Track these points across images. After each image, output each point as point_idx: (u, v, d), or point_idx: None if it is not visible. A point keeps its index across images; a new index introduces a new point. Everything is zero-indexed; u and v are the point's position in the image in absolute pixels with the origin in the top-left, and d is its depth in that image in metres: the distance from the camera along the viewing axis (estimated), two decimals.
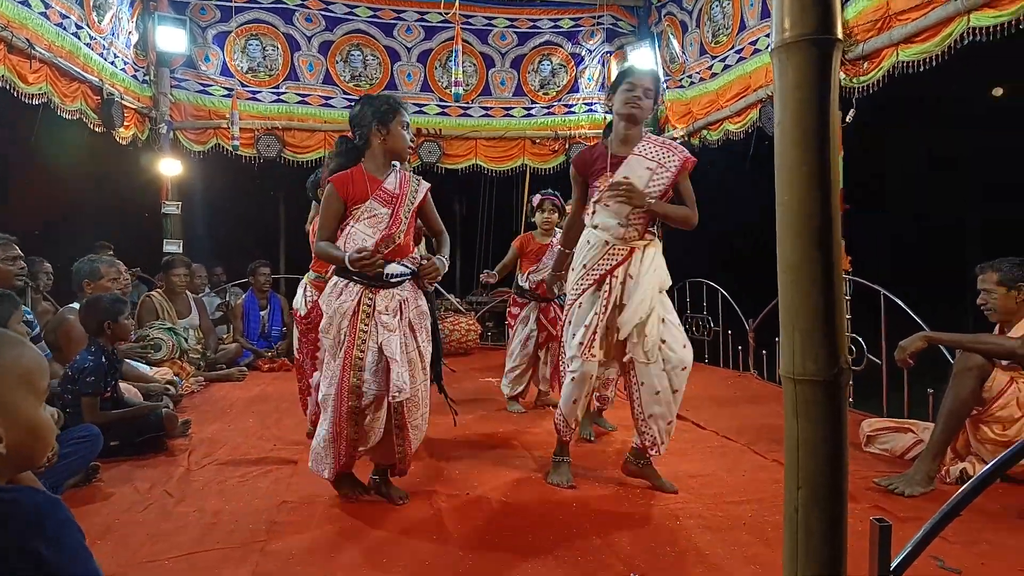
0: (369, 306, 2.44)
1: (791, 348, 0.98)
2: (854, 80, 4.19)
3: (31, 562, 0.89)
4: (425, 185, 2.63)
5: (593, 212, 2.68)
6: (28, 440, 0.98)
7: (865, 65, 4.13)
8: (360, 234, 2.45)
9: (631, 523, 2.38)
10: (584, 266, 2.66)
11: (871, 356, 4.04)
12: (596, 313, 2.60)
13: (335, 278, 2.53)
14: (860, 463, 2.97)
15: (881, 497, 2.58)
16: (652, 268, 2.64)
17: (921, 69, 3.78)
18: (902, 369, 3.05)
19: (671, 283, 2.74)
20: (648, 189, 2.59)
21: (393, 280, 2.47)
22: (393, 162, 2.58)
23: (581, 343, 2.60)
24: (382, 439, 2.51)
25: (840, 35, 0.94)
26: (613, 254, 2.61)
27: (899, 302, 3.87)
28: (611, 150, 2.69)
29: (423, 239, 2.97)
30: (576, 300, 2.66)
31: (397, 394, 2.39)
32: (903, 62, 3.85)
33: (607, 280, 2.61)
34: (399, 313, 2.46)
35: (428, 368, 2.59)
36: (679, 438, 3.48)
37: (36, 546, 0.89)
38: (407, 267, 2.52)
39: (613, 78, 3.06)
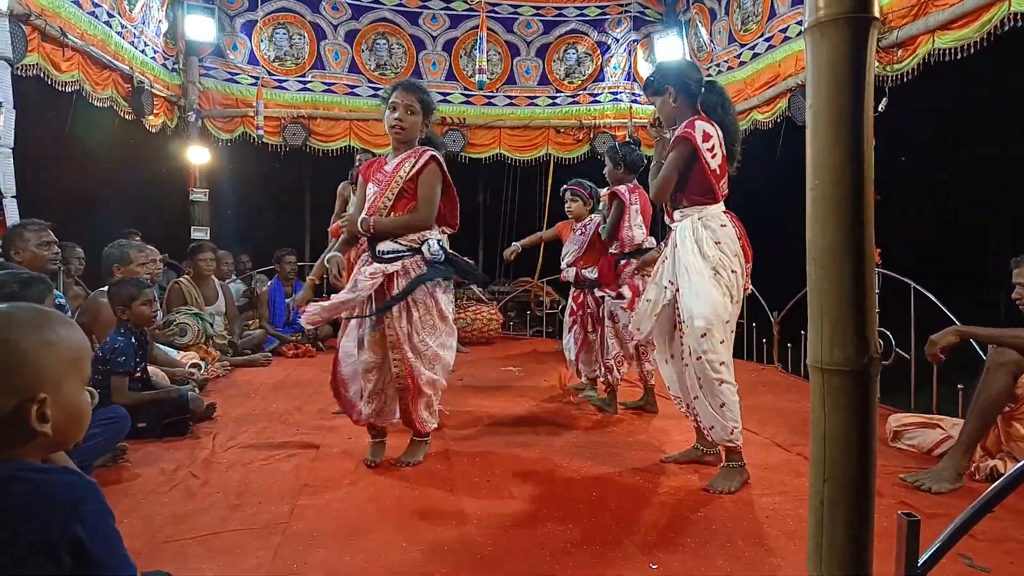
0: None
1: (819, 337, 0.96)
2: (887, 68, 4.09)
3: (68, 544, 0.89)
4: (426, 156, 2.64)
5: None
6: (68, 422, 0.99)
7: (899, 53, 4.04)
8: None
9: (651, 512, 2.36)
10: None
11: (899, 350, 3.96)
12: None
13: None
14: (886, 458, 2.91)
15: (907, 493, 2.53)
16: (686, 247, 2.61)
17: (958, 57, 3.68)
18: (931, 364, 2.98)
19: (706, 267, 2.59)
20: None
21: (386, 257, 2.62)
22: (404, 143, 2.70)
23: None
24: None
25: (877, 14, 0.91)
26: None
27: (930, 295, 3.79)
28: None
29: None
30: None
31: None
32: (939, 49, 3.74)
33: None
34: (384, 285, 2.62)
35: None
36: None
37: (75, 529, 0.90)
38: (403, 245, 2.64)
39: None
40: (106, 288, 3.89)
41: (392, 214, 2.64)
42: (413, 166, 2.63)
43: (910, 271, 4.02)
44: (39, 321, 0.99)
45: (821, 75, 0.92)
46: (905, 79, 4.04)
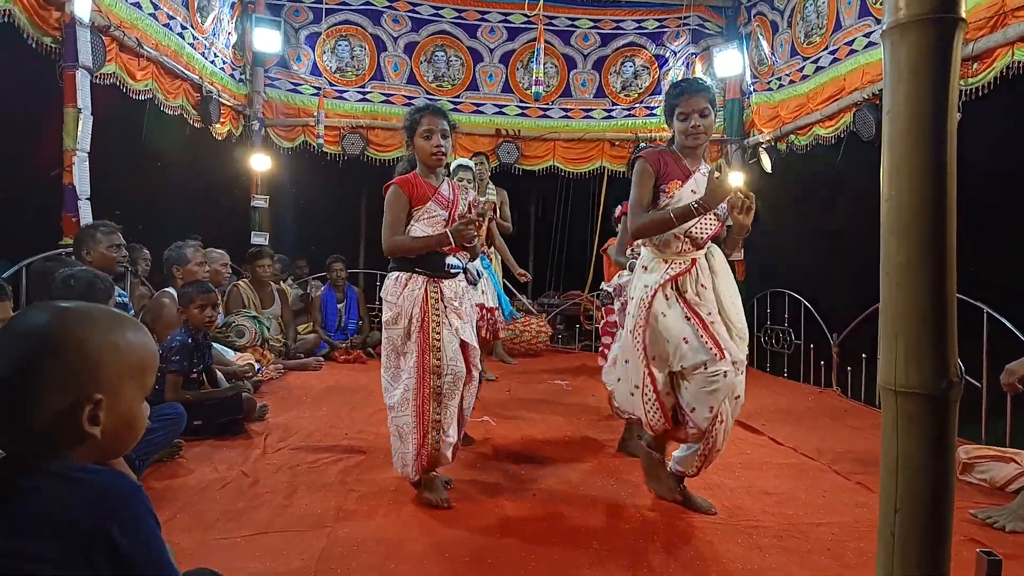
0: (436, 294, 2.55)
1: (893, 357, 0.89)
2: (962, 82, 3.91)
3: (103, 543, 0.87)
4: (472, 194, 2.84)
5: None
6: (120, 429, 0.97)
7: (975, 66, 3.86)
8: (422, 232, 2.57)
9: (700, 538, 2.29)
10: (646, 287, 2.49)
11: (970, 378, 3.76)
12: (687, 316, 2.42)
13: (396, 272, 2.59)
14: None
15: (978, 530, 2.38)
16: (726, 271, 2.53)
17: None
18: (1005, 393, 2.82)
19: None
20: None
21: (453, 271, 2.64)
22: (438, 169, 2.67)
23: (709, 346, 2.38)
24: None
25: (964, 15, 0.85)
26: (675, 266, 2.48)
27: (1005, 322, 3.59)
28: (683, 160, 2.59)
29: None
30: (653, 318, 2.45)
31: (476, 373, 2.67)
32: (1019, 62, 3.57)
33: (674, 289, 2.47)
34: (462, 302, 2.65)
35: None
36: (754, 452, 3.34)
37: (108, 528, 0.87)
38: (460, 261, 2.71)
39: (665, 94, 2.89)
40: (170, 288, 4.04)
41: None
42: (464, 199, 2.70)
43: (983, 295, 3.81)
44: (111, 323, 0.98)
45: (900, 79, 0.86)
46: (980, 93, 3.86)
